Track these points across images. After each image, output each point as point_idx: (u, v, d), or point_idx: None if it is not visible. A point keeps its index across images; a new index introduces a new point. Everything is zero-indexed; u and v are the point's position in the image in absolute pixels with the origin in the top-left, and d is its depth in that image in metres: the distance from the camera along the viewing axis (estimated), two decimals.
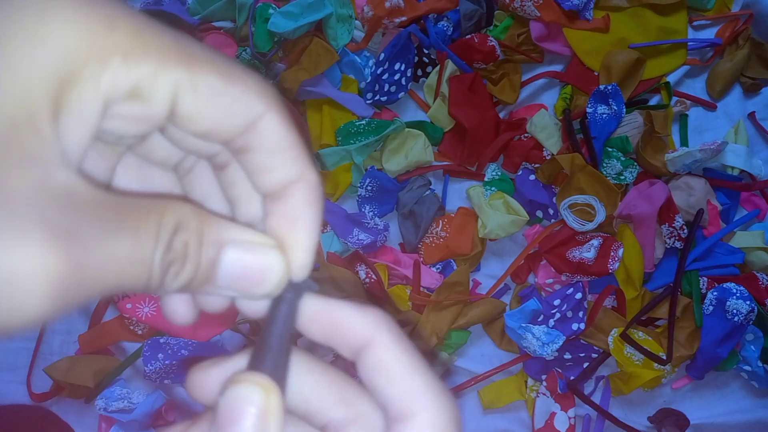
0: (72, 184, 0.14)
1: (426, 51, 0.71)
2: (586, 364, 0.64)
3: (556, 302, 0.62)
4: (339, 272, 0.63)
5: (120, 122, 0.15)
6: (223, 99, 0.16)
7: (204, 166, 0.20)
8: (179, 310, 0.19)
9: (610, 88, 0.66)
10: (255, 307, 0.19)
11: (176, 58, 0.15)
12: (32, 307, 0.13)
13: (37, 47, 0.13)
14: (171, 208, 0.15)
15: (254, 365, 0.17)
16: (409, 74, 0.70)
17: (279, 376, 0.17)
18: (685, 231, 0.64)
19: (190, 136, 0.17)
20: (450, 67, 0.69)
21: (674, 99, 0.71)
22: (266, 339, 0.17)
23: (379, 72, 0.68)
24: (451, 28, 0.71)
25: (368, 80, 0.69)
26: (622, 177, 0.66)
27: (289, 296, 0.18)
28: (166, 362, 0.61)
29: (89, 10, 0.14)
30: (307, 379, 0.18)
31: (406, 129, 0.68)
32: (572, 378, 0.63)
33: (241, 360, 0.18)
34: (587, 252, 0.62)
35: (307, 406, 0.18)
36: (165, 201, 0.15)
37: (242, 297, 0.18)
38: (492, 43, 0.68)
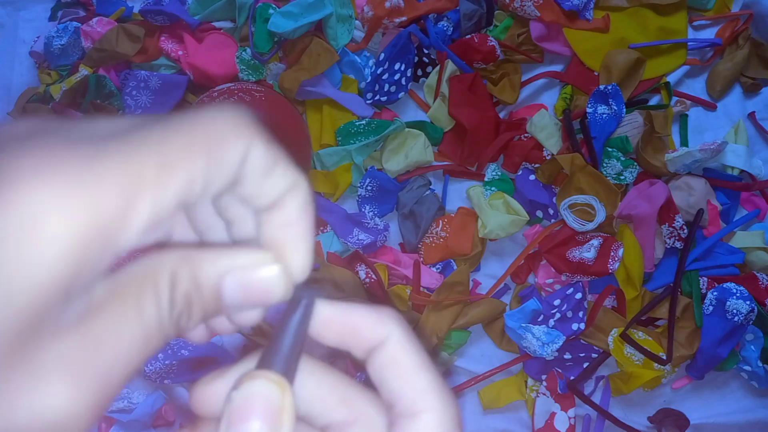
0: (78, 312, 0.14)
1: (426, 51, 0.71)
2: (586, 364, 0.64)
3: (556, 302, 0.62)
4: (339, 272, 0.63)
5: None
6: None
7: None
8: (195, 332, 0.20)
9: (610, 88, 0.66)
10: (249, 317, 0.19)
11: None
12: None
13: None
14: (162, 266, 0.16)
15: (265, 365, 0.17)
16: (409, 74, 0.70)
17: (289, 378, 0.17)
18: (685, 231, 0.64)
19: None
20: (450, 67, 0.69)
21: (674, 99, 0.71)
22: (279, 340, 0.17)
23: (379, 72, 0.68)
24: (451, 28, 0.71)
25: (368, 80, 0.69)
26: (622, 177, 0.66)
27: (304, 299, 0.18)
28: (166, 362, 0.61)
29: None
30: (308, 382, 0.18)
31: (406, 129, 0.68)
32: (572, 378, 0.63)
33: (241, 370, 0.18)
34: (587, 252, 0.62)
35: (309, 408, 0.18)
36: (155, 259, 0.16)
37: (258, 307, 0.18)
38: (492, 43, 0.68)
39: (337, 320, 0.18)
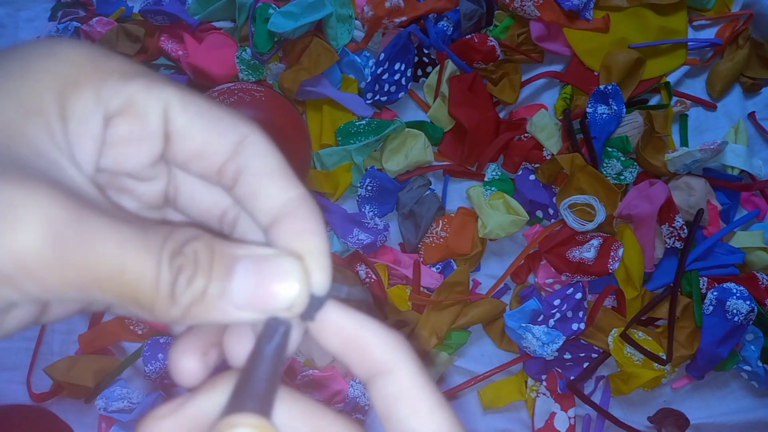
0: (82, 184, 0.15)
1: (426, 51, 0.71)
2: (586, 364, 0.64)
3: (556, 302, 0.62)
4: (339, 272, 0.63)
5: (124, 149, 0.17)
6: (211, 116, 0.17)
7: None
8: (188, 365, 0.19)
9: (610, 88, 0.66)
10: (243, 351, 0.18)
11: (166, 81, 0.17)
12: (27, 239, 0.13)
13: (48, 59, 0.16)
14: (186, 228, 0.16)
15: (241, 403, 0.15)
16: (409, 74, 0.70)
17: (266, 415, 0.16)
18: (685, 231, 0.64)
19: (193, 174, 0.18)
20: (450, 67, 0.69)
21: (674, 99, 0.71)
22: (255, 373, 0.16)
23: (379, 72, 0.68)
24: (451, 28, 0.71)
25: (368, 80, 0.69)
26: (622, 177, 0.66)
27: (281, 327, 0.17)
28: (166, 362, 0.61)
29: (91, 46, 0.17)
30: (281, 413, 0.18)
31: (406, 129, 0.68)
32: (572, 378, 0.63)
33: (200, 405, 0.17)
34: (587, 252, 0.62)
35: None
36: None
37: (262, 315, 0.17)
38: (492, 43, 0.68)
39: (347, 331, 0.18)
